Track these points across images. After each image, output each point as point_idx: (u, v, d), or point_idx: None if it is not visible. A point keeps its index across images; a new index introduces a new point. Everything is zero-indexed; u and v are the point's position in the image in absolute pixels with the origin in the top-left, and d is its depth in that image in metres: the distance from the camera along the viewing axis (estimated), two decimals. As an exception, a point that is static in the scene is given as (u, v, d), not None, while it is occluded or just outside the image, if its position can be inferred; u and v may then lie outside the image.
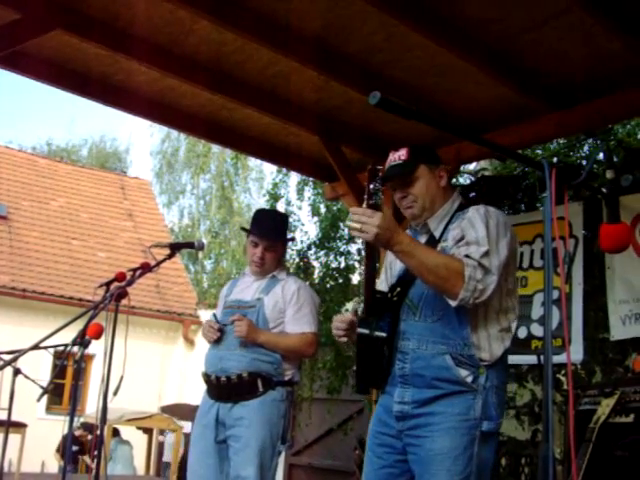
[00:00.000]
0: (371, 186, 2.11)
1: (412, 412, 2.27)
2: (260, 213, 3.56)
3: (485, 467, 2.25)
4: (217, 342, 3.25)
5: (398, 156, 2.41)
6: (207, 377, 3.24)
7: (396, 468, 2.34)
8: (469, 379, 2.22)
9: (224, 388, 3.16)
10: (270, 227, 3.34)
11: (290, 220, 9.38)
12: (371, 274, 2.27)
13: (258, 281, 3.35)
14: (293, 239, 3.67)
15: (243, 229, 3.46)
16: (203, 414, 3.24)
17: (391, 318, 2.33)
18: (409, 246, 2.10)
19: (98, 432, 3.15)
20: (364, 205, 2.10)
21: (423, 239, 2.42)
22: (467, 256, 2.16)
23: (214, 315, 3.35)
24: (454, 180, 6.48)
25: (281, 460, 7.76)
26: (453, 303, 2.15)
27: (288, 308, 3.25)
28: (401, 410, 2.30)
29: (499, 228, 2.26)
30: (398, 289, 2.35)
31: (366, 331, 2.33)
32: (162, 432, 11.90)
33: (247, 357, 3.15)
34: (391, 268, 2.55)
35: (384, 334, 2.31)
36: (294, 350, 3.24)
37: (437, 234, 2.39)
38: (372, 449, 2.42)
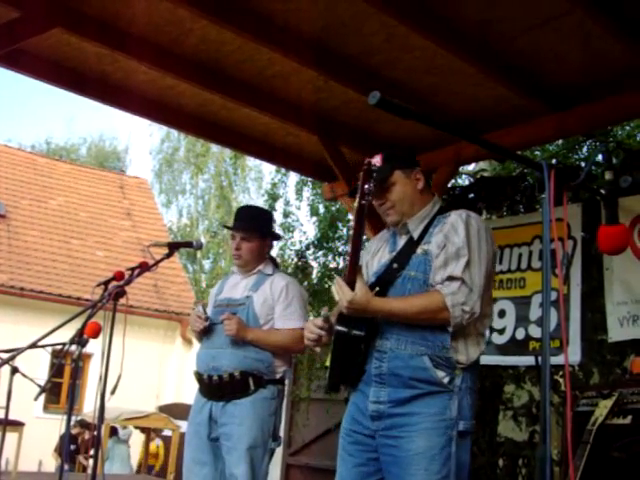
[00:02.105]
0: (366, 186, 2.12)
1: (388, 412, 2.28)
2: (240, 208, 3.65)
3: (463, 467, 2.26)
4: (207, 338, 3.26)
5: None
6: (199, 376, 3.25)
7: (369, 466, 2.34)
8: (446, 380, 2.24)
9: (216, 387, 3.17)
10: (245, 219, 3.36)
11: (289, 220, 9.38)
12: (354, 269, 2.23)
13: (246, 278, 3.35)
14: (278, 237, 3.63)
15: (225, 226, 3.47)
16: (196, 413, 3.25)
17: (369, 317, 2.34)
18: (383, 311, 2.24)
19: (95, 431, 3.14)
20: (355, 204, 2.15)
21: (402, 240, 2.45)
22: (450, 277, 2.22)
23: (202, 306, 3.32)
24: (452, 181, 6.48)
25: (278, 460, 7.74)
26: (450, 330, 2.23)
27: (277, 304, 3.25)
28: (377, 410, 2.30)
29: (480, 235, 2.30)
30: (377, 289, 2.34)
31: (344, 329, 2.32)
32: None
33: (238, 356, 3.15)
34: (367, 267, 2.53)
35: (362, 333, 2.31)
36: (283, 346, 3.23)
37: (416, 235, 2.41)
38: (345, 448, 2.42)
